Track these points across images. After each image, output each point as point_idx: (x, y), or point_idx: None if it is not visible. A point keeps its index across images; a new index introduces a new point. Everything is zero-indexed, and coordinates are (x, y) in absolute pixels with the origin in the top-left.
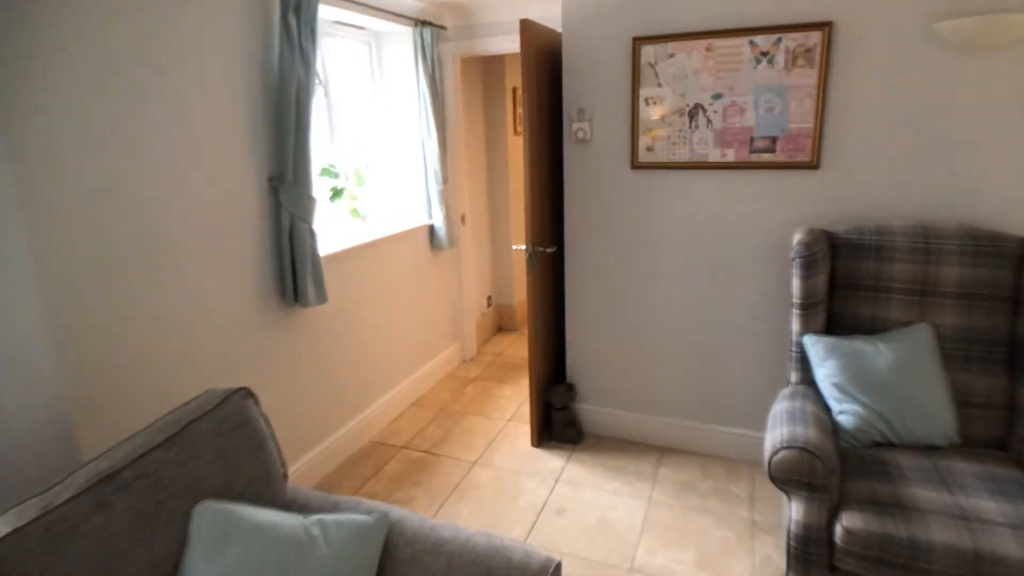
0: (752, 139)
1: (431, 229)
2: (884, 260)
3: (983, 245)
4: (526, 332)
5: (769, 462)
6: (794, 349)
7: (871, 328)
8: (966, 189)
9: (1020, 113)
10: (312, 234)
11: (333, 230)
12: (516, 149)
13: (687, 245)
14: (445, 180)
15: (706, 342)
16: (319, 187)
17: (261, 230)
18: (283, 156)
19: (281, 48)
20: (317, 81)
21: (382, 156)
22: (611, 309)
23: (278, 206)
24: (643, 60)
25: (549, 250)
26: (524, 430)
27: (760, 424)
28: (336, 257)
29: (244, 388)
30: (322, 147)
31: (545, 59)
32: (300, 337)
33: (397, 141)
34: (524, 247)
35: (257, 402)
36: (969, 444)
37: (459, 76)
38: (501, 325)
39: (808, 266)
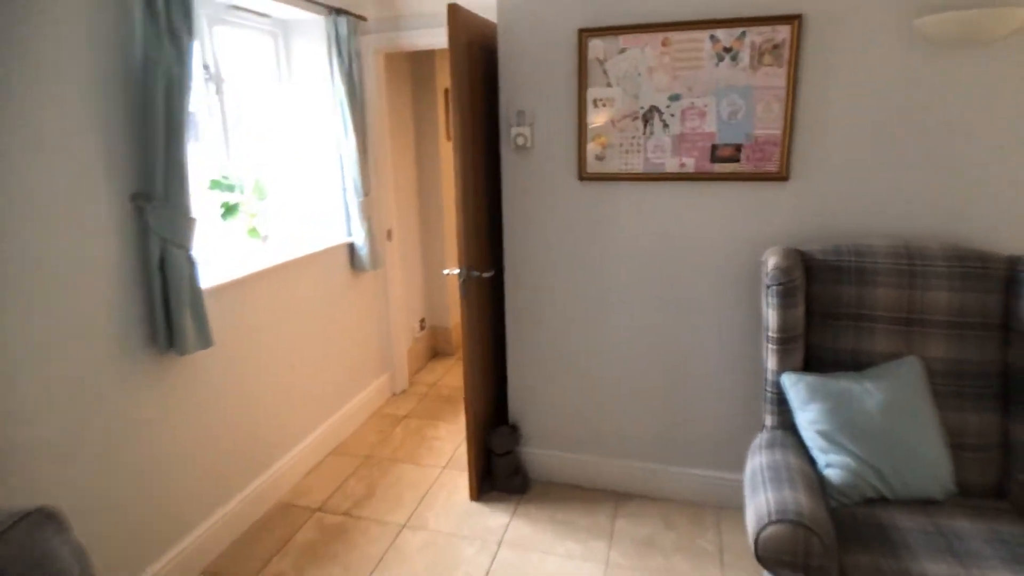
0: (714, 147)
1: (351, 248)
2: (866, 284)
3: (971, 267)
4: (459, 357)
5: (756, 539)
6: (770, 389)
7: (854, 362)
8: (950, 203)
9: (1009, 120)
10: (191, 262)
11: (226, 254)
12: (450, 156)
13: (643, 267)
14: (366, 192)
15: (666, 375)
16: (209, 203)
17: (122, 262)
18: (150, 167)
19: (145, 29)
20: (205, 75)
21: (291, 165)
22: (558, 340)
23: (145, 230)
24: (591, 56)
25: (486, 275)
26: (462, 480)
27: (726, 464)
28: (229, 288)
29: (42, 509)
30: (213, 156)
31: (479, 53)
32: (178, 391)
33: (309, 148)
34: (456, 271)
35: (64, 526)
36: (966, 494)
37: (382, 74)
38: (437, 349)
39: (787, 295)
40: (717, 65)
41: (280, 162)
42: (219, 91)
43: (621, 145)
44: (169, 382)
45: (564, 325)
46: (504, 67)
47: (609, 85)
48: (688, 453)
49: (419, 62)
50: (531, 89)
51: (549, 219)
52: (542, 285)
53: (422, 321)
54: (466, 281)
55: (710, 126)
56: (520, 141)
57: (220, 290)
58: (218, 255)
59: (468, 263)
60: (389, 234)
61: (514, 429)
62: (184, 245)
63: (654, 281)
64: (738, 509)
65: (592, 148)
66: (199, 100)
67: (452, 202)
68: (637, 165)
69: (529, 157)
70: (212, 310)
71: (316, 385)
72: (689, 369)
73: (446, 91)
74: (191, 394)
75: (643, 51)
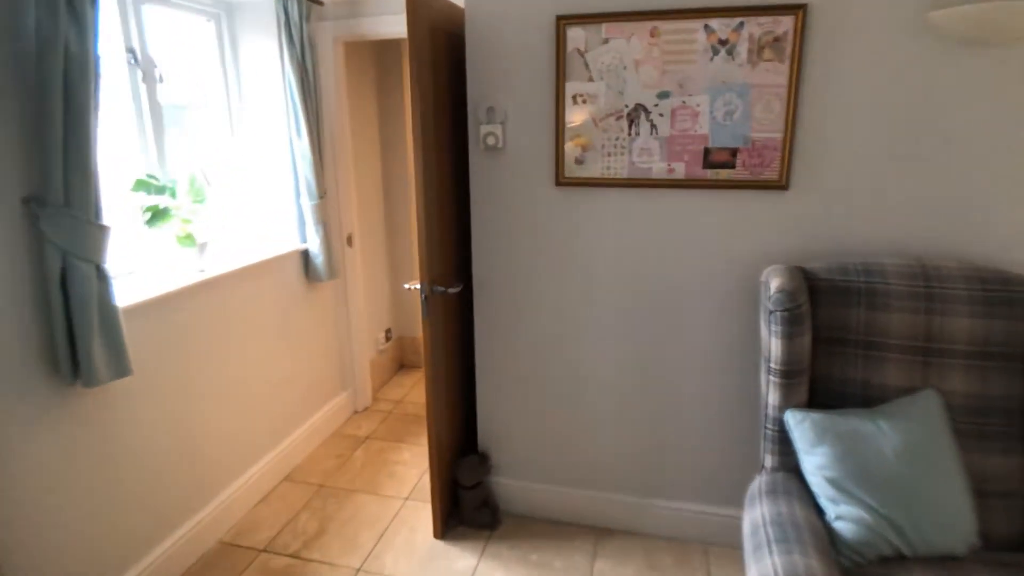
0: (707, 151)
1: (305, 256)
2: (877, 308)
3: (994, 290)
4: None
5: None
6: (770, 426)
7: (864, 397)
8: (968, 217)
9: None
10: (102, 278)
11: (155, 267)
12: None
13: (627, 283)
14: (321, 194)
15: (651, 401)
16: (134, 208)
17: (12, 277)
18: (46, 165)
19: (36, 1)
20: (130, 60)
21: (236, 165)
22: (533, 361)
23: (41, 240)
24: (570, 46)
25: (452, 290)
26: (425, 513)
27: (716, 498)
28: (157, 305)
29: None
30: (139, 154)
31: (445, 41)
32: (89, 427)
33: (257, 146)
34: (416, 285)
35: None
36: (990, 547)
37: (341, 64)
38: (404, 361)
39: (793, 322)
40: (712, 59)
41: (223, 162)
42: (147, 79)
43: (603, 147)
44: (77, 418)
45: (539, 345)
46: (472, 57)
47: (591, 79)
48: (674, 486)
49: (384, 52)
50: (503, 82)
51: (523, 228)
52: (515, 301)
53: (388, 331)
54: (429, 299)
55: (703, 128)
56: (490, 141)
57: (146, 308)
58: (145, 267)
59: (431, 278)
60: (350, 239)
61: (483, 458)
62: (90, 258)
63: (640, 299)
64: (727, 546)
65: (571, 150)
66: (119, 89)
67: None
68: (621, 170)
69: (500, 159)
70: (137, 331)
71: (267, 407)
72: (677, 396)
73: None
74: (106, 429)
75: (629, 42)
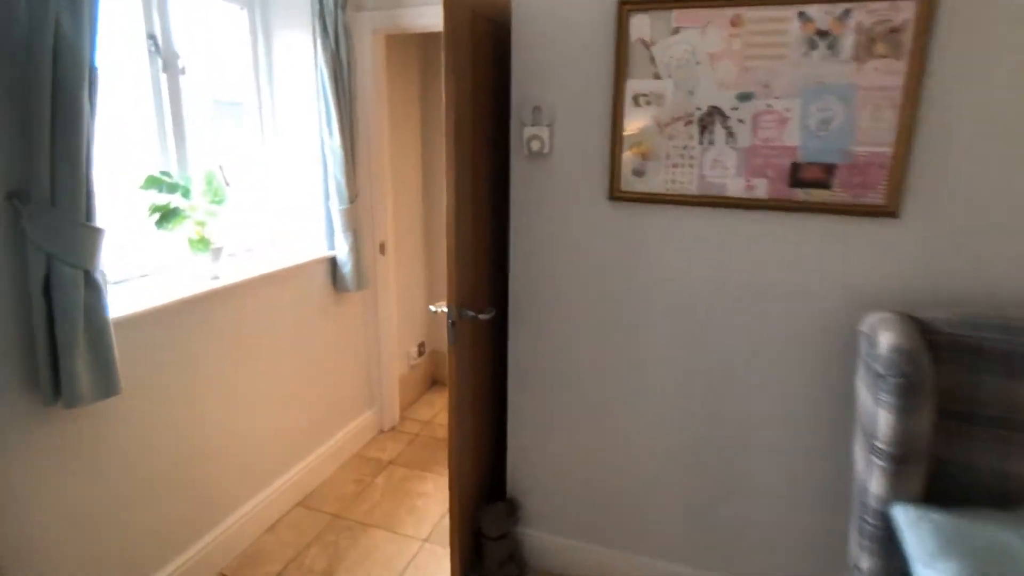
0: (796, 166)
1: (333, 263)
2: (1017, 377)
3: None
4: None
5: None
6: (869, 519)
7: (1001, 491)
8: None
9: None
10: (92, 286)
11: (162, 271)
12: None
13: (690, 319)
14: (352, 197)
15: (710, 460)
16: (143, 207)
17: None
18: (31, 158)
19: None
20: (151, 48)
21: (260, 163)
22: (575, 402)
23: (23, 240)
24: (633, 36)
25: (483, 316)
26: (445, 561)
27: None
28: (160, 314)
29: None
30: (154, 149)
31: (488, 31)
32: (77, 449)
33: (285, 143)
34: (444, 308)
35: None
36: None
37: (381, 58)
38: (437, 378)
39: (911, 392)
40: (807, 55)
41: (248, 160)
42: (169, 69)
43: (668, 157)
44: (63, 439)
45: (583, 384)
46: (519, 49)
47: (656, 77)
48: (730, 559)
49: (429, 46)
50: (552, 79)
51: (568, 248)
52: (556, 331)
53: (421, 345)
54: (456, 324)
55: (792, 138)
56: (535, 146)
57: (149, 317)
58: (152, 273)
59: (460, 300)
60: (383, 247)
61: (512, 507)
62: (78, 263)
63: (704, 339)
64: None
65: (629, 159)
66: (138, 78)
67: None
68: (688, 184)
69: (546, 166)
70: (137, 343)
71: (283, 426)
72: (742, 456)
73: None
74: (97, 450)
75: (704, 32)
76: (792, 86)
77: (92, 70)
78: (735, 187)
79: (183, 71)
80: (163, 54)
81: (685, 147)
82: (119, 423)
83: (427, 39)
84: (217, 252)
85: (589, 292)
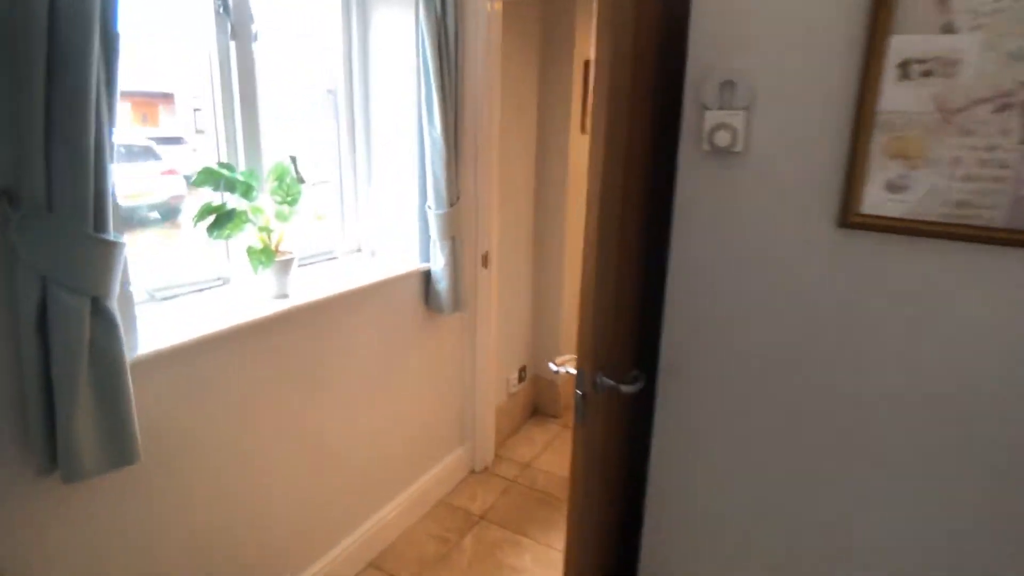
0: None
1: (426, 278)
2: None
3: None
4: (571, 424)
5: None
6: None
7: None
8: None
9: None
10: (103, 317)
11: (225, 282)
12: (583, 154)
13: (958, 433)
14: (453, 200)
15: None
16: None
17: None
18: (22, 149)
19: None
20: (219, 8)
21: (343, 155)
22: (746, 521)
23: (12, 257)
24: None
25: (627, 388)
26: None
27: None
28: (211, 344)
29: None
30: (214, 133)
31: None
32: (90, 517)
33: (375, 133)
34: (570, 369)
35: None
36: None
37: (495, 26)
38: (538, 407)
39: None
40: None
41: (327, 152)
42: (239, 35)
43: (957, 164)
44: (63, 516)
45: (763, 499)
46: None
47: (948, 29)
48: None
49: (553, 20)
50: (755, 39)
51: (760, 298)
52: (730, 419)
53: (522, 370)
54: (588, 397)
55: None
56: (722, 139)
57: (190, 351)
58: (212, 284)
59: (596, 362)
60: (485, 259)
61: None
62: (83, 288)
63: (977, 469)
64: None
65: (883, 165)
66: (200, 46)
67: (579, 215)
68: (994, 211)
69: (736, 170)
70: (174, 384)
71: (359, 472)
72: None
73: (587, 63)
74: (108, 527)
75: None
76: None
77: (110, 35)
78: None
79: (256, 38)
80: (233, 15)
81: (992, 148)
82: (145, 490)
83: (550, 10)
84: (286, 265)
85: (787, 361)
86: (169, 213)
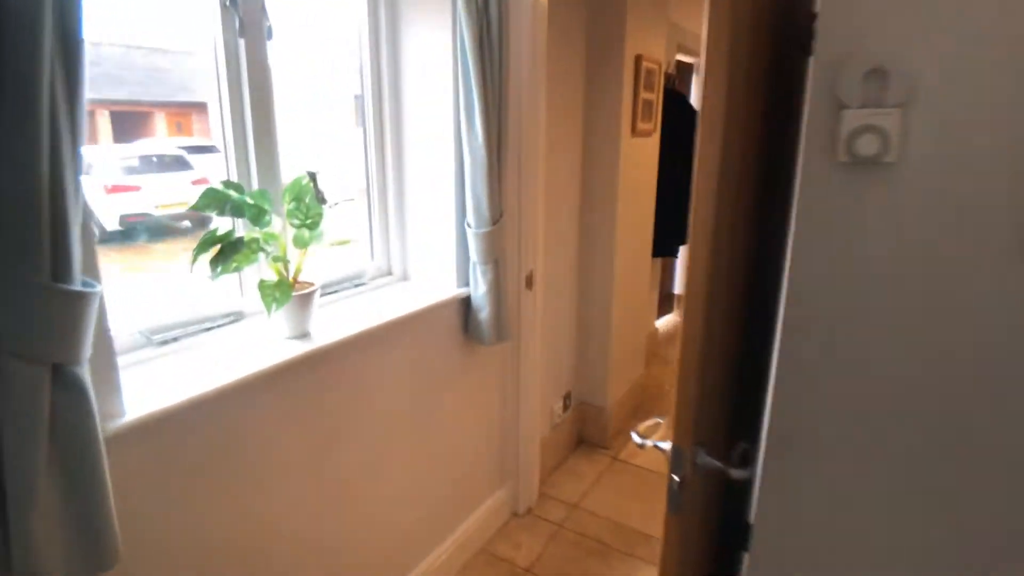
0: None
1: (466, 305)
2: None
3: None
4: (622, 457)
5: None
6: None
7: None
8: None
9: None
10: (69, 388)
11: (239, 318)
12: (633, 158)
13: None
14: (496, 217)
15: None
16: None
17: None
18: None
19: None
20: (227, 1)
21: (371, 170)
22: None
23: None
24: None
25: (737, 472)
26: None
27: None
28: (214, 402)
29: None
30: (227, 148)
31: None
32: None
33: (406, 143)
34: (660, 444)
35: None
36: None
37: (541, 27)
38: (583, 436)
39: None
40: None
41: (350, 166)
42: (249, 32)
43: None
44: None
45: None
46: None
47: None
48: None
49: (599, 10)
50: (922, 9)
51: (920, 347)
52: (868, 502)
53: (566, 397)
54: (686, 482)
55: None
56: (867, 147)
57: (187, 413)
58: (223, 321)
59: (695, 436)
60: (529, 280)
61: None
62: (40, 355)
63: None
64: None
65: None
66: (204, 44)
67: (630, 224)
68: None
69: (882, 188)
70: (168, 450)
71: (387, 529)
72: None
73: (637, 59)
74: None
75: None
76: None
77: (71, 41)
78: None
79: (270, 35)
80: (241, 8)
81: None
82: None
83: (595, 8)
84: (306, 300)
85: (949, 439)
86: (198, 223)
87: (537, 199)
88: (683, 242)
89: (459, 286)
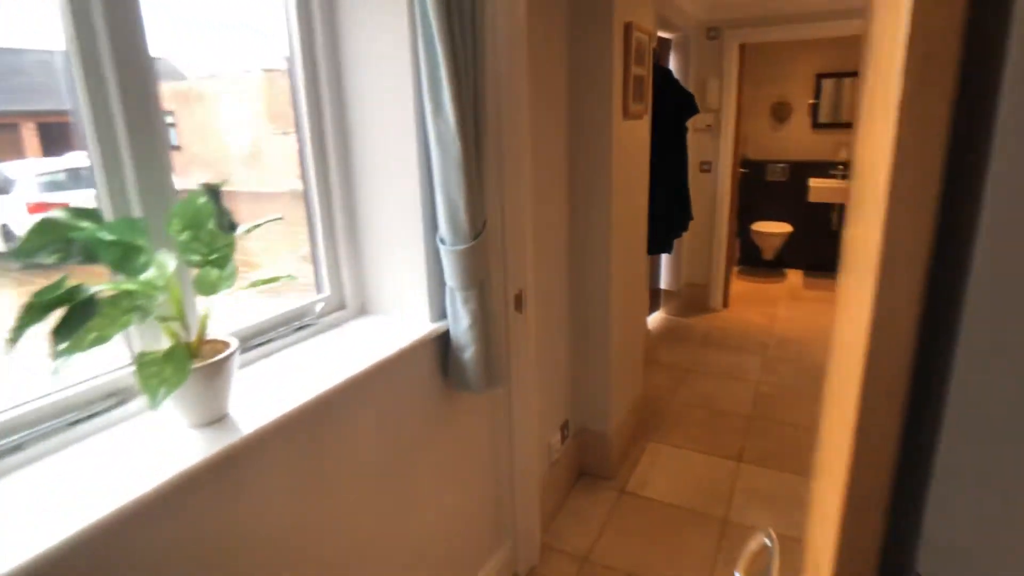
0: None
1: (443, 344)
2: None
3: None
4: (630, 488)
5: None
6: None
7: None
8: None
9: None
10: None
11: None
12: (625, 144)
13: None
14: (477, 230)
15: None
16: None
17: None
18: None
19: None
20: None
21: (302, 173)
22: None
23: None
24: None
25: None
26: None
27: None
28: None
29: None
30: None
31: None
32: None
33: (361, 133)
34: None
35: None
36: None
37: None
38: (584, 468)
39: None
40: None
41: (270, 174)
42: None
43: None
44: None
45: None
46: None
47: None
48: None
49: None
50: None
51: None
52: None
53: (563, 427)
54: None
55: None
56: None
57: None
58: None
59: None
60: (518, 300)
61: None
62: None
63: None
64: None
65: None
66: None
67: (626, 224)
68: None
69: None
70: None
71: None
72: None
73: (627, 27)
74: None
75: None
76: None
77: None
78: None
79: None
80: None
81: None
82: None
83: None
84: (216, 370)
85: None
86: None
87: (525, 200)
88: (678, 235)
89: (434, 320)
